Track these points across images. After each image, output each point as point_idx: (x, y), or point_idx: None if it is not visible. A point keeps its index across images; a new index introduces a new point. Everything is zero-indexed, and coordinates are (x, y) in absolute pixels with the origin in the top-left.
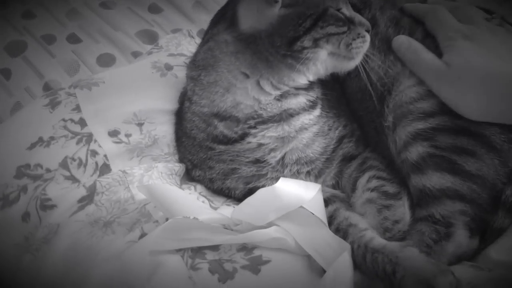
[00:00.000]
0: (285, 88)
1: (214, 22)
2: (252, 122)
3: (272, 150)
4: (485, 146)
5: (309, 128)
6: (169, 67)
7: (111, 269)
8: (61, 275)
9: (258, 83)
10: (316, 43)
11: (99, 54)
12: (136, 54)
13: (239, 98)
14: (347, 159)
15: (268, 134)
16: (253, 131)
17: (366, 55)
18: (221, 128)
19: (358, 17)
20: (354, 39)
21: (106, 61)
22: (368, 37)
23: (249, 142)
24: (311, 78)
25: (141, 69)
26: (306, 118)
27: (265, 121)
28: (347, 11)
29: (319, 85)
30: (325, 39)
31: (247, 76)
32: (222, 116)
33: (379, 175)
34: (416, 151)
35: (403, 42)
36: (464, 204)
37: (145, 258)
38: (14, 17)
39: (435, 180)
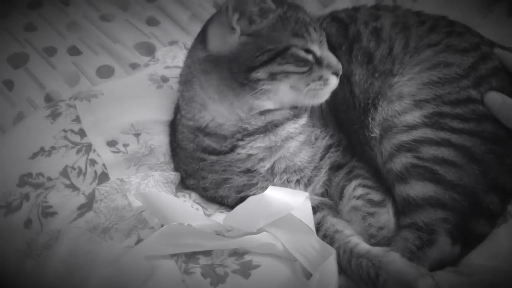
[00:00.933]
0: (255, 112)
1: (195, 37)
2: (239, 135)
3: (261, 159)
4: (466, 157)
5: (295, 137)
6: (165, 79)
7: (109, 273)
8: (62, 279)
9: (230, 105)
10: (272, 77)
11: (98, 65)
12: (134, 66)
13: (218, 119)
14: (335, 167)
15: (256, 145)
16: (241, 143)
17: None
18: (208, 142)
19: (328, 58)
20: (313, 81)
21: (105, 72)
22: (332, 80)
23: (239, 153)
24: (273, 106)
25: (138, 81)
26: (291, 127)
27: (251, 134)
28: (319, 50)
29: None
30: (283, 75)
31: (216, 99)
32: (206, 132)
33: (364, 183)
34: (400, 161)
35: (495, 99)
36: (446, 212)
37: (141, 263)
38: (16, 29)
39: (418, 189)
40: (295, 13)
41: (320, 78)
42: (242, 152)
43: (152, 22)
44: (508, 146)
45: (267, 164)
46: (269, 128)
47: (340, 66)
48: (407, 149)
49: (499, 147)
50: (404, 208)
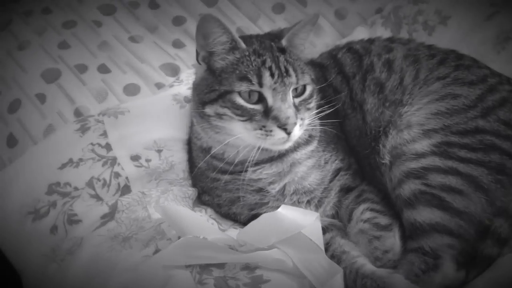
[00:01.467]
0: (223, 144)
1: None
2: (246, 164)
3: (271, 183)
4: (473, 186)
5: (302, 162)
6: (188, 100)
7: (128, 280)
8: (83, 284)
9: (206, 134)
10: (219, 116)
11: (125, 84)
12: (159, 85)
13: (212, 145)
14: (345, 190)
15: (264, 172)
16: (250, 169)
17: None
18: (216, 163)
19: (278, 111)
20: (255, 129)
21: (131, 90)
22: (277, 133)
23: (250, 175)
24: (238, 143)
25: (163, 100)
26: (298, 154)
27: (257, 163)
28: (272, 98)
29: (317, 124)
30: (227, 116)
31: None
32: (212, 155)
33: (372, 207)
34: (409, 188)
35: None
36: (452, 239)
37: (158, 272)
38: (51, 46)
39: (425, 215)
40: (256, 56)
41: (262, 128)
42: (252, 176)
43: (178, 44)
44: None
45: (277, 187)
46: (274, 158)
47: (288, 122)
48: (415, 176)
49: (505, 177)
50: (411, 233)
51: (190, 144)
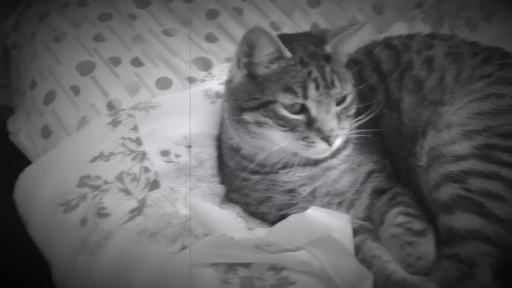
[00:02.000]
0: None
1: None
2: (278, 165)
3: (302, 185)
4: None
5: (337, 167)
6: (219, 95)
7: (154, 276)
8: (110, 277)
9: (240, 137)
10: (258, 124)
11: (158, 77)
12: (191, 79)
13: (242, 146)
14: (377, 192)
15: (296, 174)
16: (281, 171)
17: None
18: (246, 163)
19: (322, 122)
20: (297, 139)
21: (163, 84)
22: (320, 145)
23: (281, 177)
24: (274, 148)
25: (194, 96)
26: (334, 160)
27: (289, 165)
28: (316, 110)
29: (353, 127)
30: (268, 125)
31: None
32: (241, 155)
33: (406, 211)
34: (447, 192)
35: None
36: (490, 247)
37: (183, 269)
38: (86, 39)
39: (463, 221)
40: (302, 66)
41: (305, 139)
42: (283, 178)
43: (211, 38)
44: None
45: (308, 189)
46: (309, 162)
47: (332, 134)
48: (454, 180)
49: None
50: (447, 239)
51: (219, 140)
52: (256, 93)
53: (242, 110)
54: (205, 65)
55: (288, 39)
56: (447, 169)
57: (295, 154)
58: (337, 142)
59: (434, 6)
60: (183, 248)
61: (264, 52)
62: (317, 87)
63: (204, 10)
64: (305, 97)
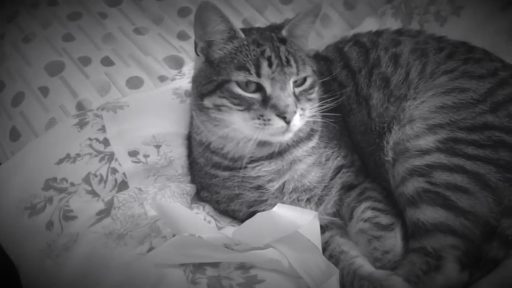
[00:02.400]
0: (222, 139)
1: None
2: (246, 160)
3: (270, 180)
4: (480, 184)
5: (303, 159)
6: (189, 94)
7: (121, 277)
8: (77, 281)
9: (205, 127)
10: (218, 108)
11: (129, 77)
12: (162, 78)
13: (211, 140)
14: (346, 188)
15: (263, 169)
16: (249, 166)
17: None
18: (216, 159)
19: (277, 99)
20: (253, 118)
21: (134, 83)
22: (276, 122)
23: (249, 172)
24: (239, 136)
25: (163, 95)
26: (299, 152)
27: (256, 160)
28: (271, 87)
29: (318, 117)
30: (226, 107)
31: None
32: (211, 150)
33: (374, 206)
34: (412, 186)
35: None
36: (456, 239)
37: (150, 270)
38: (55, 39)
39: (429, 214)
40: (255, 46)
41: (261, 117)
42: (251, 173)
43: (183, 36)
44: None
45: (276, 185)
46: (274, 155)
47: (288, 109)
48: (419, 174)
49: None
50: (413, 232)
51: (189, 139)
52: (213, 75)
53: (202, 96)
54: (177, 63)
55: (245, 29)
56: (412, 163)
57: (259, 143)
58: (296, 121)
59: (404, 1)
60: (151, 249)
61: (217, 28)
62: (270, 65)
63: (176, 7)
64: (258, 74)
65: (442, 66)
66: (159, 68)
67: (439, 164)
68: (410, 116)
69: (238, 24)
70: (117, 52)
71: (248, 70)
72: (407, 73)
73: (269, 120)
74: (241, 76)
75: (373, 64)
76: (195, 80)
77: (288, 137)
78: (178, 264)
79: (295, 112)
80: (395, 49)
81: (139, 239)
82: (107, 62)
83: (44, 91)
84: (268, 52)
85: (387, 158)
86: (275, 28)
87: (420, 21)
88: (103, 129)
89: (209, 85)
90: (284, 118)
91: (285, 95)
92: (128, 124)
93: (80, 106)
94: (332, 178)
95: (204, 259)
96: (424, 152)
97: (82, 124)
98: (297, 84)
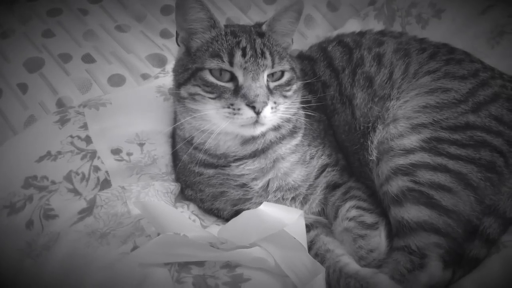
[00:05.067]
0: (202, 132)
1: None
2: (230, 158)
3: (254, 179)
4: (462, 183)
5: (286, 157)
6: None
7: (104, 277)
8: (58, 281)
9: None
10: (192, 97)
11: (110, 74)
12: (145, 76)
13: (194, 135)
14: (331, 187)
15: (247, 167)
16: (233, 164)
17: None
18: (200, 156)
19: (248, 89)
20: (223, 107)
21: (116, 81)
22: (245, 112)
23: (233, 170)
24: (215, 130)
25: (146, 92)
26: (282, 149)
27: (240, 159)
28: (243, 77)
29: (301, 115)
30: (200, 96)
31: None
32: (194, 147)
33: (359, 205)
34: (397, 185)
35: None
36: (439, 237)
37: (134, 270)
38: (35, 35)
39: (412, 213)
40: (232, 36)
41: (231, 106)
42: (235, 171)
43: (166, 34)
44: (505, 174)
45: (260, 183)
46: (257, 153)
47: (257, 99)
48: (404, 173)
49: (495, 175)
50: (398, 231)
51: (174, 137)
52: (189, 64)
53: (179, 85)
54: (160, 61)
55: (227, 25)
56: (397, 162)
57: (243, 142)
58: (266, 113)
59: (386, 4)
60: (135, 248)
61: (196, 15)
62: (244, 55)
63: (159, 5)
64: (231, 63)
65: (425, 67)
66: (141, 66)
67: (423, 163)
68: (394, 115)
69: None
70: (99, 49)
71: (221, 58)
72: (390, 73)
73: (239, 109)
74: (213, 64)
75: (357, 64)
76: (174, 70)
77: (259, 130)
78: (163, 263)
79: (265, 103)
80: (378, 49)
81: (122, 238)
82: (88, 59)
83: (23, 87)
84: (243, 42)
85: (371, 158)
86: (257, 25)
87: (402, 24)
88: (85, 126)
89: (185, 73)
90: (253, 108)
91: (256, 85)
92: (110, 122)
93: (60, 103)
94: (317, 177)
95: (190, 258)
96: (408, 151)
97: (63, 121)
98: (273, 78)
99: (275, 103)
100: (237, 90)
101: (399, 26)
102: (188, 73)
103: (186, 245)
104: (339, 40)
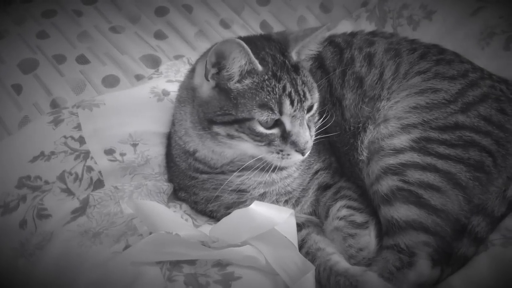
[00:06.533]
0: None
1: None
2: (230, 167)
3: (255, 187)
4: (451, 183)
5: (293, 174)
6: (166, 93)
7: (96, 276)
8: (51, 280)
9: (201, 142)
10: (230, 136)
11: (104, 75)
12: (139, 77)
13: (199, 150)
14: (323, 188)
15: (253, 179)
16: (233, 173)
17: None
18: (198, 165)
19: (297, 136)
20: (272, 152)
21: (110, 82)
22: (295, 156)
23: (233, 180)
24: (236, 155)
25: (140, 93)
26: (292, 168)
27: (247, 168)
28: (290, 124)
29: None
30: (239, 138)
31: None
32: (195, 157)
33: (349, 204)
34: (387, 184)
35: None
36: (428, 236)
37: (127, 268)
38: (29, 36)
39: (402, 212)
40: (276, 81)
41: (280, 152)
42: (235, 180)
43: (160, 36)
44: (493, 174)
45: (261, 191)
46: (266, 168)
47: (307, 146)
48: (393, 172)
49: (484, 175)
50: (387, 230)
51: (169, 139)
52: (230, 109)
53: (212, 122)
54: (154, 62)
55: (252, 48)
56: (387, 162)
57: (257, 159)
58: (309, 150)
59: (378, 5)
60: (127, 247)
61: (236, 64)
62: (292, 103)
63: (153, 7)
64: (281, 113)
65: (415, 67)
66: (135, 67)
67: (412, 162)
68: (385, 116)
69: (215, 26)
70: (93, 50)
71: (272, 110)
72: (381, 73)
73: (288, 155)
74: (264, 116)
75: (347, 64)
76: (204, 104)
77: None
78: (155, 262)
79: (311, 146)
80: (369, 49)
81: (115, 237)
82: (82, 60)
83: (17, 88)
84: (288, 87)
85: (361, 158)
86: (283, 48)
87: (393, 25)
88: (78, 127)
89: (225, 116)
90: (302, 153)
91: (303, 130)
92: (104, 122)
93: (54, 104)
94: (310, 181)
95: (181, 257)
96: (398, 151)
97: (57, 122)
98: (307, 109)
99: (312, 136)
100: (285, 136)
101: (390, 28)
102: (230, 118)
103: (178, 244)
104: (331, 41)
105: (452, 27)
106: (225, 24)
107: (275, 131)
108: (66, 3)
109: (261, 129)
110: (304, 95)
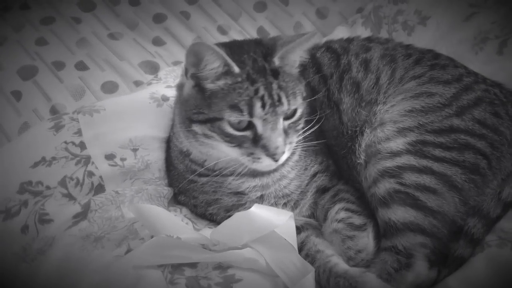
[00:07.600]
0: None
1: None
2: (227, 172)
3: (251, 190)
4: (447, 185)
5: (287, 175)
6: (165, 98)
7: (98, 280)
8: (53, 284)
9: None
10: (206, 135)
11: (103, 81)
12: (138, 83)
13: (192, 151)
14: (321, 191)
15: (247, 183)
16: (230, 177)
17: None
18: (195, 167)
19: (267, 140)
20: (243, 154)
21: (109, 88)
22: (265, 161)
23: (230, 183)
24: (222, 157)
25: (140, 99)
26: (285, 169)
27: (239, 174)
28: (262, 127)
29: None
30: (214, 138)
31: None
32: (190, 159)
33: (347, 207)
34: (384, 187)
35: None
36: (425, 238)
37: (128, 272)
38: (28, 43)
39: (399, 214)
40: (249, 83)
41: (250, 154)
42: (232, 184)
43: (158, 42)
44: (489, 176)
45: (258, 194)
46: (259, 173)
47: (277, 152)
48: (390, 175)
49: (479, 177)
50: (385, 232)
51: (168, 143)
52: (204, 107)
53: (191, 121)
54: (152, 68)
55: (238, 50)
56: (384, 165)
57: (243, 164)
58: (283, 157)
59: (373, 11)
60: (129, 251)
61: (210, 66)
62: (263, 106)
63: (151, 13)
64: (251, 115)
65: (411, 72)
66: (134, 73)
67: (408, 165)
68: (381, 119)
69: (213, 32)
70: (92, 57)
71: (241, 111)
72: (377, 78)
73: (259, 158)
74: (233, 117)
75: (344, 69)
76: (184, 103)
77: (273, 167)
78: (156, 265)
79: (283, 152)
80: (365, 55)
81: (116, 242)
82: (81, 66)
83: (17, 95)
84: (261, 91)
85: (359, 161)
86: (268, 53)
87: (388, 30)
88: (79, 132)
89: (200, 115)
90: (273, 158)
91: (275, 135)
92: (104, 128)
93: (54, 111)
94: (308, 184)
95: (182, 260)
96: (395, 154)
97: (57, 128)
98: (287, 116)
99: (290, 143)
100: (256, 140)
101: (385, 33)
102: (203, 117)
103: (179, 247)
104: (328, 47)
105: (446, 32)
106: (222, 30)
107: (246, 133)
108: (64, 10)
109: (230, 130)
110: (279, 100)
